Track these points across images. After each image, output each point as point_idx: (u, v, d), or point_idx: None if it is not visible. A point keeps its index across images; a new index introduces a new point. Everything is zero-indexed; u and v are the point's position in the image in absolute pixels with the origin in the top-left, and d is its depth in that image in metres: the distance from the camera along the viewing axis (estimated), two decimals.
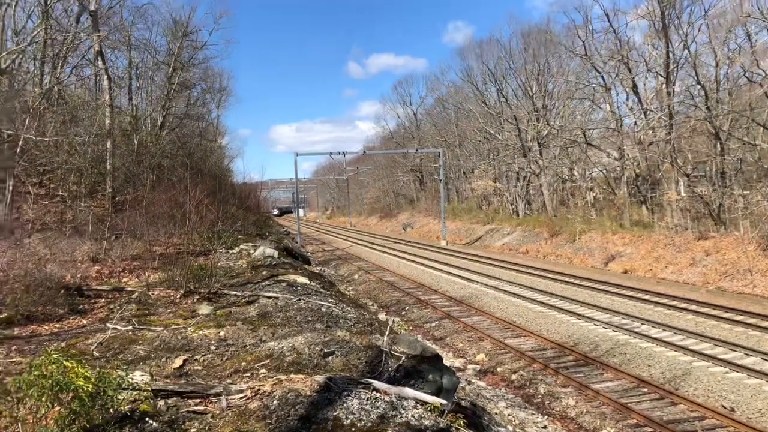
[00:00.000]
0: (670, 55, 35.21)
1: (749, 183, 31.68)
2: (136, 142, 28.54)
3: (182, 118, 40.29)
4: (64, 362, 4.70)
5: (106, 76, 25.23)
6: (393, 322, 12.34)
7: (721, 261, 25.34)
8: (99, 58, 25.35)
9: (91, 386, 4.60)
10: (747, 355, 14.09)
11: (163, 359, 6.95)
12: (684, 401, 11.72)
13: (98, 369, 5.14)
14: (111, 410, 4.82)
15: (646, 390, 12.55)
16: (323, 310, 10.36)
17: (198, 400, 5.52)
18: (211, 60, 42.99)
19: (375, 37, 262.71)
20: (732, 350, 14.50)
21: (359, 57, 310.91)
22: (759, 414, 11.06)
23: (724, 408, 11.42)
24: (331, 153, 51.42)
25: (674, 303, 20.32)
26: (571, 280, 26.13)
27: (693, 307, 19.58)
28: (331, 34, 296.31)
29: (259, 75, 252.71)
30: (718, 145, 31.81)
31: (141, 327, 8.33)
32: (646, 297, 21.60)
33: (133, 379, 5.48)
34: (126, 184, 24.36)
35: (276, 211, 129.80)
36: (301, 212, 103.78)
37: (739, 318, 17.72)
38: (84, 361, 5.20)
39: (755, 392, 11.86)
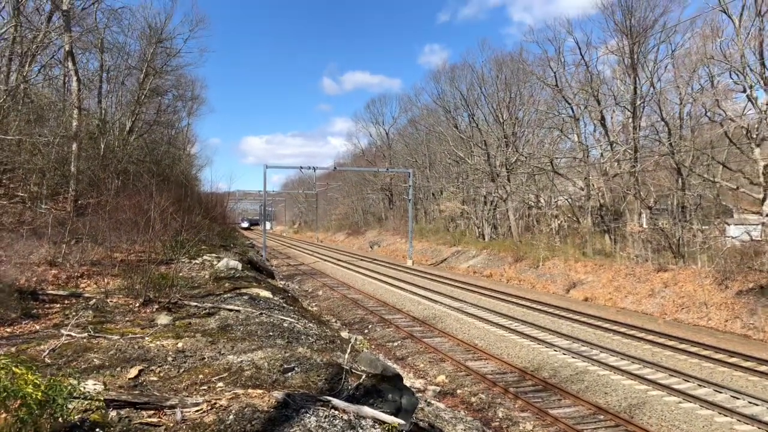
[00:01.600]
0: (638, 90, 36.26)
1: (707, 218, 32.63)
2: (102, 146, 28.02)
3: (152, 125, 39.74)
4: (13, 368, 4.55)
5: (75, 78, 24.77)
6: (355, 340, 12.28)
7: (679, 293, 25.92)
8: (69, 59, 24.90)
9: (40, 394, 4.45)
10: (700, 386, 14.39)
11: (118, 369, 6.77)
12: (639, 429, 11.89)
13: (49, 376, 4.98)
14: (60, 419, 4.67)
15: (602, 417, 12.70)
16: (285, 325, 10.25)
17: (152, 412, 5.38)
18: (184, 67, 42.47)
19: (351, 54, 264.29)
20: (686, 380, 14.79)
21: (334, 73, 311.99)
22: None
23: None
24: (301, 167, 51.16)
25: (633, 332, 20.68)
26: (534, 306, 26.40)
27: (650, 337, 19.94)
28: (308, 49, 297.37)
29: (233, 85, 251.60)
30: (680, 180, 32.73)
31: (97, 335, 8.12)
32: (606, 325, 21.93)
33: (85, 387, 5.32)
34: (90, 188, 23.85)
35: (245, 224, 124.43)
36: (268, 225, 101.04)
37: (694, 349, 18.11)
38: (34, 368, 5.03)
39: (707, 423, 12.10)
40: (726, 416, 12.34)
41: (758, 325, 21.24)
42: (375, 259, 53.56)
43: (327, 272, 42.07)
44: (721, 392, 13.84)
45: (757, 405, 12.92)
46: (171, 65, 38.72)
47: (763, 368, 15.86)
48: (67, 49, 24.73)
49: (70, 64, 24.98)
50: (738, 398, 13.40)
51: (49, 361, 6.90)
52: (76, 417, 4.92)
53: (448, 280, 36.45)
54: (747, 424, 11.90)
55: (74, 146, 22.76)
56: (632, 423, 12.19)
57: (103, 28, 30.00)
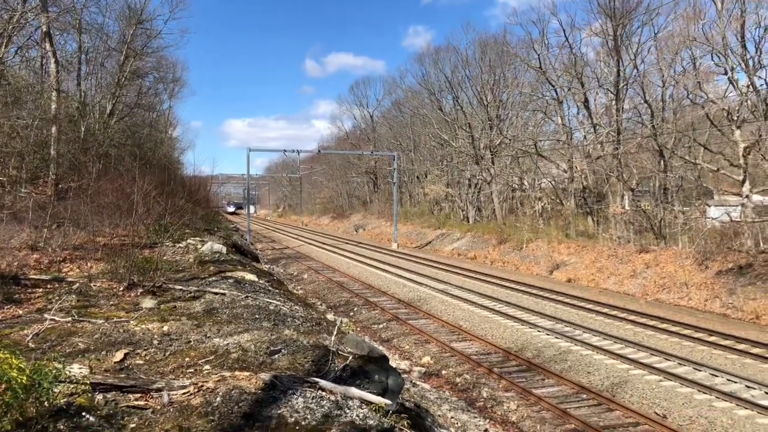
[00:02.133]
0: (621, 72, 36.42)
1: (689, 200, 33.06)
2: (83, 129, 27.61)
3: (133, 107, 39.20)
4: None
5: (53, 59, 24.32)
6: (341, 322, 12.31)
7: (660, 274, 26.29)
8: (47, 40, 24.41)
9: (25, 378, 4.42)
10: (680, 364, 14.66)
11: (104, 352, 6.74)
12: (620, 408, 12.11)
13: (34, 360, 4.94)
14: (46, 403, 4.64)
15: (585, 396, 12.91)
16: (271, 308, 10.25)
17: (138, 395, 5.37)
18: (165, 49, 41.84)
19: (334, 35, 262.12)
20: (666, 359, 15.06)
21: (317, 55, 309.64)
22: (689, 421, 11.52)
23: (657, 415, 11.85)
24: (285, 150, 51.08)
25: (615, 312, 20.97)
26: (517, 287, 26.64)
27: (632, 317, 20.25)
28: (290, 31, 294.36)
29: (214, 67, 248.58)
30: (662, 162, 33.05)
31: (81, 319, 8.05)
32: (589, 306, 22.22)
33: (70, 371, 5.29)
34: (71, 171, 23.51)
35: (231, 208, 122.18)
36: (252, 209, 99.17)
37: (675, 329, 18.43)
38: (18, 352, 5.00)
39: (686, 400, 12.35)
40: (705, 393, 12.60)
41: (737, 304, 21.64)
42: (360, 243, 53.63)
43: (312, 256, 42.07)
44: (700, 370, 14.13)
45: (735, 382, 13.21)
46: (151, 47, 38.15)
47: (741, 347, 16.19)
48: (44, 29, 24.23)
49: (47, 45, 24.51)
50: (717, 376, 13.69)
51: (33, 345, 6.85)
52: (62, 401, 4.89)
53: (433, 262, 36.62)
54: (725, 401, 12.16)
55: (53, 129, 22.41)
56: (614, 401, 12.42)
57: (80, 8, 29.35)
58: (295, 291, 23.90)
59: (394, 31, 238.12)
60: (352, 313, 22.64)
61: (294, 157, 58.10)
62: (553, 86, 42.14)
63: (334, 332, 7.66)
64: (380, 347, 14.94)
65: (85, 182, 20.12)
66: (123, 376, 5.85)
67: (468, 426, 11.25)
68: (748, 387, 12.90)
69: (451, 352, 16.65)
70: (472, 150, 51.34)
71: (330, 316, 19.06)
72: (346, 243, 53.22)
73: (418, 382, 13.85)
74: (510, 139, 47.05)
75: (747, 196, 27.86)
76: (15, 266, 11.77)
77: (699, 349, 16.19)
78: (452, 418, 11.43)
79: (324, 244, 51.67)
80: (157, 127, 49.08)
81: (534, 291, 25.64)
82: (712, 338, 17.24)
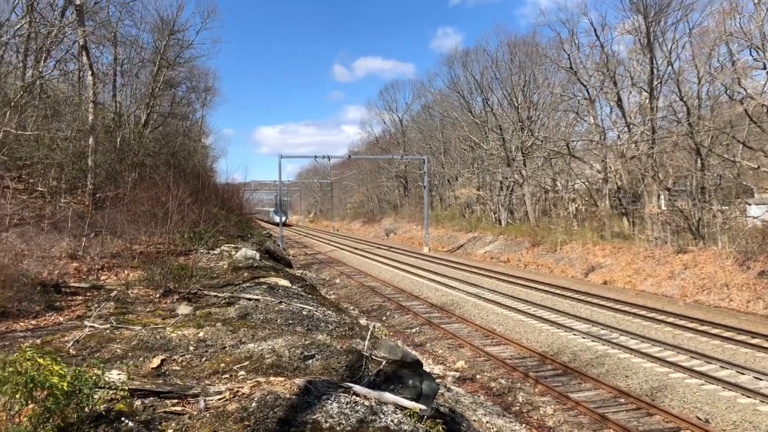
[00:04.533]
0: (655, 70, 35.73)
1: (728, 199, 32.19)
2: (118, 140, 28.22)
3: (166, 117, 39.96)
4: (39, 359, 4.61)
5: (90, 72, 24.92)
6: (374, 327, 12.31)
7: (699, 275, 25.66)
8: (83, 53, 25.04)
9: (66, 384, 4.51)
10: (722, 367, 14.26)
11: (141, 359, 6.85)
12: (660, 412, 11.82)
13: (74, 367, 5.04)
14: (86, 409, 4.74)
15: (623, 400, 12.64)
16: (304, 313, 10.30)
17: (175, 401, 5.44)
18: (197, 59, 42.56)
19: (362, 40, 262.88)
20: (708, 363, 14.67)
21: (346, 60, 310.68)
22: (733, 426, 11.18)
23: (699, 419, 11.53)
24: (315, 156, 51.20)
25: (652, 315, 20.53)
26: (552, 290, 26.29)
27: (671, 319, 19.78)
28: (318, 36, 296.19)
29: (245, 75, 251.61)
30: (699, 161, 32.28)
31: (119, 325, 8.21)
32: (626, 308, 21.79)
33: (109, 377, 5.39)
34: (107, 181, 24.06)
35: (277, 217, 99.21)
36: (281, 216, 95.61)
37: (716, 331, 17.94)
38: (59, 359, 5.10)
39: (730, 404, 12.00)
40: (749, 397, 12.23)
41: None
42: (391, 247, 53.63)
43: (344, 260, 42.20)
44: (744, 373, 13.72)
45: None
46: (184, 57, 38.87)
47: None
48: (81, 43, 24.86)
49: (84, 58, 25.13)
50: (761, 379, 13.27)
51: (73, 352, 7.00)
52: (101, 407, 4.98)
53: (465, 266, 36.39)
54: None
55: (91, 140, 22.95)
56: (654, 406, 12.12)
57: (116, 22, 30.12)
58: (327, 296, 24.00)
59: (423, 34, 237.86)
60: (384, 318, 22.62)
61: (324, 163, 58.42)
62: (584, 86, 41.57)
63: (368, 337, 7.66)
64: (413, 352, 14.87)
65: (122, 191, 20.55)
66: (160, 381, 5.93)
67: (504, 431, 11.12)
68: None
69: (485, 356, 16.49)
70: (503, 152, 50.94)
71: (363, 321, 19.06)
72: (378, 247, 53.27)
73: (452, 387, 13.74)
74: (542, 140, 46.55)
75: None
76: (56, 275, 12.08)
77: (742, 352, 15.72)
78: (487, 422, 11.31)
79: (355, 248, 51.79)
80: (190, 135, 49.89)
81: (569, 294, 25.26)
82: (756, 341, 16.72)
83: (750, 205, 31.25)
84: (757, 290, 22.58)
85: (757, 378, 13.37)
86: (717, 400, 12.30)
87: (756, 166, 29.49)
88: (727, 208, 31.21)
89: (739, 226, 28.52)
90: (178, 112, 44.13)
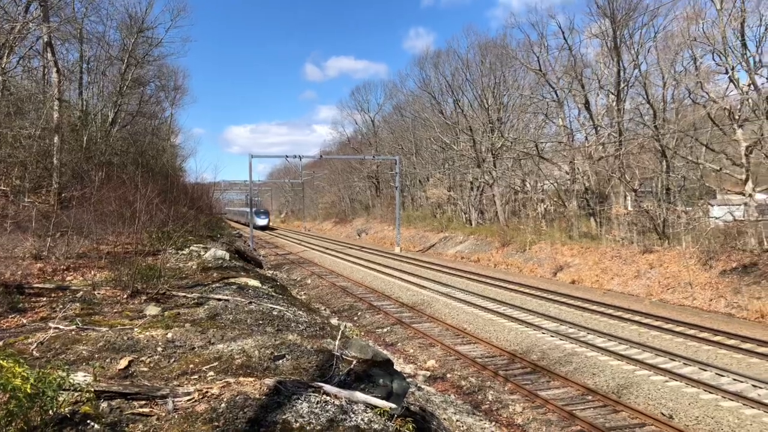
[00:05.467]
0: (621, 73, 36.42)
1: (691, 200, 32.99)
2: (85, 138, 27.71)
3: (134, 115, 39.33)
4: (1, 362, 4.51)
5: (55, 69, 24.41)
6: (345, 326, 12.31)
7: (664, 274, 26.22)
8: (48, 50, 24.52)
9: (29, 386, 4.42)
10: (686, 364, 14.60)
11: (108, 360, 6.74)
12: (626, 409, 12.06)
13: (38, 369, 4.94)
14: (50, 411, 4.64)
15: (591, 398, 12.86)
16: (274, 313, 10.25)
17: (143, 402, 5.37)
18: (166, 57, 41.96)
19: (335, 39, 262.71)
20: (672, 360, 15.01)
21: (318, 59, 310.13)
22: (696, 421, 11.47)
23: (663, 415, 11.80)
24: (287, 156, 50.88)
25: (619, 314, 20.91)
26: (521, 289, 26.59)
27: (637, 318, 20.18)
28: (290, 35, 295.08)
29: (216, 74, 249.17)
30: (664, 163, 33.01)
31: (85, 327, 8.06)
32: (593, 307, 22.15)
33: (74, 379, 5.28)
34: (73, 180, 23.59)
35: (261, 219, 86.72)
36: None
37: (679, 329, 18.37)
38: (23, 361, 4.99)
39: (693, 400, 12.30)
40: (711, 393, 12.54)
41: (741, 303, 21.56)
42: (363, 247, 53.62)
43: (315, 261, 42.06)
44: (706, 370, 14.07)
45: (741, 382, 13.15)
46: (153, 55, 38.33)
47: (746, 346, 16.12)
48: (45, 39, 24.35)
49: (49, 55, 24.61)
50: (723, 375, 13.63)
51: (37, 354, 6.86)
52: (66, 409, 4.89)
53: (436, 265, 36.58)
54: (732, 400, 12.10)
55: (56, 138, 22.49)
56: (620, 403, 12.37)
57: (81, 18, 29.53)
58: (298, 296, 23.91)
59: (395, 34, 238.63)
60: (356, 318, 22.62)
61: (296, 163, 58.06)
62: (553, 88, 42.17)
63: (338, 337, 7.66)
64: (384, 351, 14.90)
65: (88, 191, 20.18)
66: (127, 383, 5.85)
67: (474, 429, 11.22)
68: (755, 386, 12.83)
69: (455, 355, 16.61)
70: (473, 153, 51.34)
71: (334, 321, 19.03)
72: (349, 247, 53.22)
73: (423, 386, 13.81)
74: (511, 142, 47.06)
75: (750, 195, 27.80)
76: (19, 275, 11.80)
77: (704, 349, 16.13)
78: (458, 421, 11.39)
79: (327, 248, 51.66)
80: (159, 135, 49.18)
81: (538, 293, 25.59)
82: (717, 338, 17.17)
83: (712, 205, 32.10)
84: (719, 289, 23.18)
85: (719, 374, 13.73)
86: (681, 396, 12.59)
87: (718, 168, 30.28)
88: (690, 208, 31.98)
89: (702, 227, 29.25)
90: (146, 110, 43.47)
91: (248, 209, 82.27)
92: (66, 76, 28.88)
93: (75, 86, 32.13)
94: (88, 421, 4.83)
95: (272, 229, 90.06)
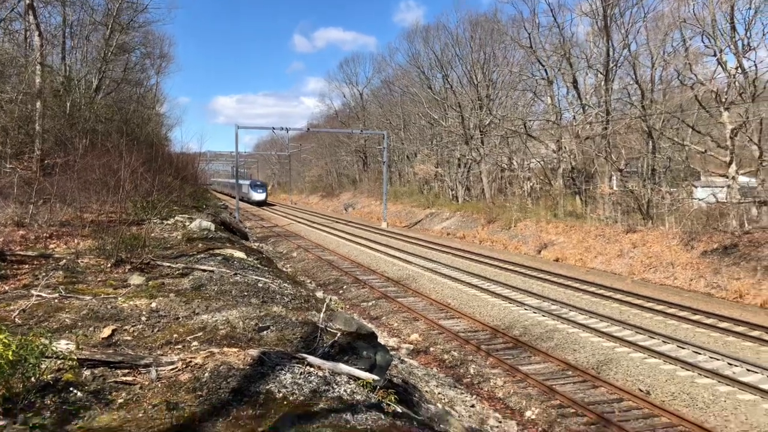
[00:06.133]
0: (610, 53, 36.32)
1: (676, 181, 33.28)
2: (68, 105, 27.20)
3: (119, 83, 38.67)
4: None
5: (37, 33, 23.84)
6: (330, 299, 12.35)
7: (647, 253, 26.54)
8: (30, 13, 23.91)
9: (11, 353, 4.40)
10: (664, 342, 14.86)
11: (91, 328, 6.72)
12: (605, 384, 12.30)
13: (20, 336, 4.92)
14: (32, 379, 4.64)
15: (571, 373, 13.08)
16: (260, 285, 10.25)
17: (126, 371, 5.37)
18: (152, 24, 41.03)
19: (324, 9, 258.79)
20: (651, 337, 15.27)
21: (306, 30, 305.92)
22: (672, 397, 11.72)
23: (641, 391, 12.05)
24: (273, 128, 50.44)
25: (601, 291, 21.18)
26: (506, 266, 26.81)
27: (618, 296, 20.46)
28: (278, 4, 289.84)
29: (202, 43, 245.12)
30: (650, 143, 33.17)
31: (68, 295, 8.02)
32: (576, 285, 22.41)
33: (57, 347, 5.26)
34: (56, 147, 23.21)
35: (258, 193, 77.16)
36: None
37: (660, 308, 18.66)
38: (4, 328, 4.97)
39: (669, 377, 12.55)
40: (688, 370, 12.81)
41: (721, 283, 21.92)
42: (349, 222, 53.62)
43: (301, 234, 42.03)
44: (684, 348, 14.33)
45: (717, 360, 13.42)
46: (138, 21, 37.44)
47: (723, 325, 16.44)
48: (27, 2, 23.72)
49: (31, 17, 24.00)
50: (700, 353, 13.90)
51: (19, 321, 6.82)
52: (49, 376, 4.89)
53: (422, 241, 36.72)
54: (707, 377, 12.37)
55: (38, 104, 22.06)
56: (599, 378, 12.60)
57: None
58: (284, 269, 23.92)
59: (385, 6, 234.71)
60: (341, 291, 22.71)
61: (283, 135, 57.53)
62: (542, 66, 42.00)
63: (323, 309, 7.68)
64: (369, 324, 15.01)
65: (72, 158, 19.89)
66: (111, 351, 5.84)
67: (455, 401, 11.39)
68: (730, 364, 13.12)
69: (439, 329, 16.77)
70: (461, 129, 51.22)
71: (319, 294, 19.10)
72: (336, 222, 53.20)
73: (406, 359, 13.96)
74: (499, 119, 46.98)
75: (733, 178, 28.08)
76: (1, 242, 11.68)
77: (683, 328, 16.42)
78: (439, 393, 11.56)
79: (313, 222, 51.60)
80: (144, 103, 48.45)
81: (522, 270, 25.81)
82: (696, 317, 17.48)
83: (696, 187, 32.42)
84: (700, 269, 23.53)
85: (696, 352, 14.00)
86: (658, 372, 12.84)
87: (703, 150, 30.51)
88: (675, 189, 32.27)
89: (685, 208, 29.57)
90: (131, 78, 42.74)
91: (244, 181, 79.60)
92: (49, 40, 28.22)
93: (58, 51, 31.45)
94: (71, 389, 4.84)
95: (270, 204, 78.66)
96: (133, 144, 23.16)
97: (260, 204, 75.55)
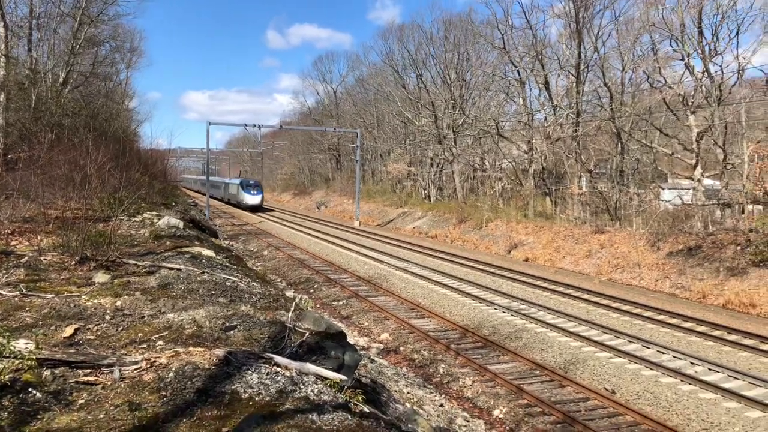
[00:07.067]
0: (582, 55, 36.83)
1: (644, 182, 33.88)
2: (33, 98, 26.56)
3: (87, 77, 37.83)
4: None
5: (2, 23, 23.24)
6: (300, 299, 12.27)
7: (614, 254, 26.98)
8: None
9: None
10: (630, 341, 15.13)
11: (53, 328, 6.57)
12: (572, 384, 12.46)
13: None
14: None
15: (539, 372, 13.23)
16: (228, 284, 10.14)
17: (88, 371, 5.26)
18: (122, 17, 40.18)
19: (298, 5, 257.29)
20: (617, 337, 15.52)
21: (280, 26, 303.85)
22: (636, 396, 11.93)
23: (606, 390, 12.24)
24: (246, 125, 50.05)
25: (569, 291, 21.47)
26: (476, 266, 27.00)
27: (586, 296, 20.76)
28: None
29: (174, 37, 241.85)
30: (619, 145, 33.73)
31: (29, 293, 7.82)
32: (544, 285, 22.67)
33: (15, 347, 5.13)
34: (21, 141, 22.63)
35: (253, 196, 62.82)
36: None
37: (626, 308, 18.99)
38: None
39: (634, 376, 12.78)
40: (652, 370, 13.06)
41: (685, 284, 22.39)
42: (322, 220, 53.44)
43: (273, 232, 41.74)
44: (648, 347, 14.61)
45: (680, 359, 13.71)
46: (108, 14, 36.65)
47: (687, 325, 16.80)
48: None
49: None
50: (664, 353, 14.18)
51: None
52: (6, 377, 4.76)
53: (394, 240, 36.77)
54: (671, 377, 12.63)
55: (2, 96, 21.54)
56: (567, 378, 12.76)
57: None
58: (254, 267, 23.72)
59: (361, 3, 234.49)
60: (312, 291, 22.61)
61: (255, 132, 56.78)
62: (515, 67, 42.41)
63: (292, 308, 7.63)
64: (339, 324, 14.99)
65: (36, 153, 19.42)
66: (72, 351, 5.71)
67: (424, 401, 11.42)
68: (693, 363, 13.41)
69: (409, 329, 16.81)
70: (434, 129, 51.44)
71: (289, 293, 18.97)
72: (308, 220, 52.97)
73: (376, 359, 13.96)
74: (472, 119, 47.29)
75: (698, 180, 28.71)
76: None
77: (648, 328, 16.73)
78: (408, 393, 11.58)
79: (285, 220, 51.30)
80: (113, 97, 47.57)
81: (492, 270, 26.03)
82: (661, 317, 17.82)
83: (663, 189, 33.06)
84: (665, 270, 24.00)
85: (660, 352, 14.28)
86: (623, 372, 13.07)
87: (670, 153, 31.15)
88: (642, 191, 32.87)
89: (652, 209, 30.14)
90: (100, 72, 41.85)
91: (231, 180, 71.02)
92: (14, 31, 27.51)
93: (24, 43, 30.64)
94: (30, 389, 4.72)
95: (267, 210, 64.80)
96: (100, 139, 22.72)
97: (255, 209, 61.89)
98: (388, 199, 57.22)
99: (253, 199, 62.69)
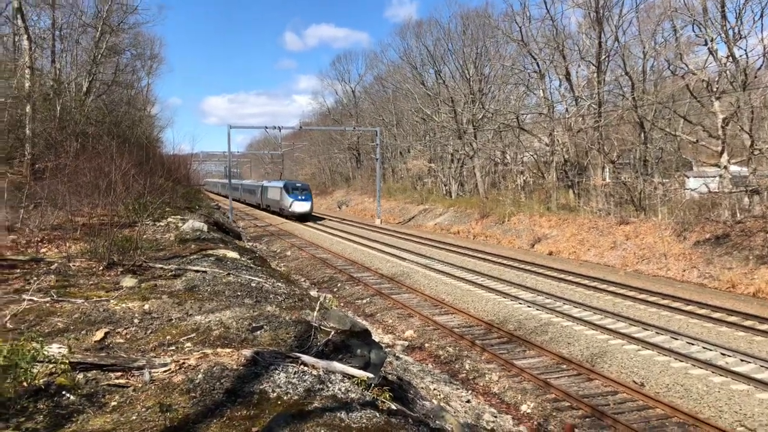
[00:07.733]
0: (602, 44, 36.37)
1: (668, 171, 33.38)
2: (58, 108, 27.05)
3: (110, 85, 38.48)
4: None
5: (26, 36, 23.73)
6: (324, 298, 12.34)
7: (640, 245, 26.64)
8: (18, 16, 23.78)
9: (2, 359, 4.40)
10: (658, 333, 14.94)
11: (83, 332, 6.70)
12: (599, 377, 12.35)
13: (11, 341, 4.91)
14: (25, 383, 4.63)
15: (565, 367, 13.13)
16: (253, 285, 10.23)
17: (119, 374, 5.36)
18: (142, 25, 40.90)
19: (315, 6, 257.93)
20: (645, 329, 15.34)
21: (298, 27, 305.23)
22: (666, 389, 11.78)
23: (635, 383, 12.10)
24: (266, 127, 50.31)
25: (594, 284, 21.26)
26: (499, 260, 26.86)
27: (612, 288, 20.54)
28: (269, 2, 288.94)
29: (193, 43, 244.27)
30: (642, 134, 33.26)
31: (60, 298, 7.98)
32: (569, 278, 22.48)
33: (49, 351, 5.25)
34: (47, 150, 23.08)
35: (302, 205, 51.29)
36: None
37: (653, 299, 18.74)
38: None
39: (664, 368, 12.61)
40: (682, 362, 12.87)
41: (713, 274, 22.03)
42: (343, 219, 53.56)
43: (295, 233, 41.98)
44: (677, 339, 14.41)
45: (710, 350, 13.50)
46: (128, 23, 37.28)
47: (716, 315, 16.53)
48: (15, 5, 23.59)
49: (19, 21, 23.88)
50: (693, 344, 13.98)
51: (11, 326, 6.79)
52: (41, 381, 4.87)
53: (416, 237, 36.75)
54: (701, 368, 12.44)
55: (28, 108, 21.96)
56: (594, 371, 12.65)
57: None
58: (278, 268, 23.88)
59: (378, 1, 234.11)
60: (335, 289, 22.71)
61: (275, 134, 57.02)
62: (535, 59, 42.01)
63: (317, 308, 7.69)
64: (363, 322, 15.03)
65: (62, 161, 19.79)
66: (103, 354, 5.83)
67: (450, 397, 11.41)
68: (723, 354, 13.20)
69: (434, 325, 16.80)
70: (454, 124, 51.24)
71: (313, 293, 19.09)
72: (329, 219, 53.11)
73: (401, 356, 13.98)
74: (492, 113, 47.01)
75: (725, 167, 28.18)
76: None
77: (676, 319, 16.50)
78: (435, 389, 11.58)
79: (305, 221, 51.51)
80: (135, 104, 48.27)
81: (515, 264, 25.88)
82: (689, 308, 17.57)
83: (688, 177, 32.52)
84: (692, 260, 23.63)
85: (689, 343, 14.07)
86: (652, 364, 12.90)
87: (695, 140, 30.60)
88: (667, 180, 32.38)
89: (677, 198, 29.68)
90: (122, 80, 42.55)
91: (274, 184, 61.47)
92: (38, 44, 28.07)
93: (47, 54, 31.27)
94: (64, 392, 4.83)
95: (317, 218, 54.39)
96: (124, 146, 23.11)
97: (303, 218, 51.10)
98: (409, 196, 57.16)
99: (301, 206, 51.21)
